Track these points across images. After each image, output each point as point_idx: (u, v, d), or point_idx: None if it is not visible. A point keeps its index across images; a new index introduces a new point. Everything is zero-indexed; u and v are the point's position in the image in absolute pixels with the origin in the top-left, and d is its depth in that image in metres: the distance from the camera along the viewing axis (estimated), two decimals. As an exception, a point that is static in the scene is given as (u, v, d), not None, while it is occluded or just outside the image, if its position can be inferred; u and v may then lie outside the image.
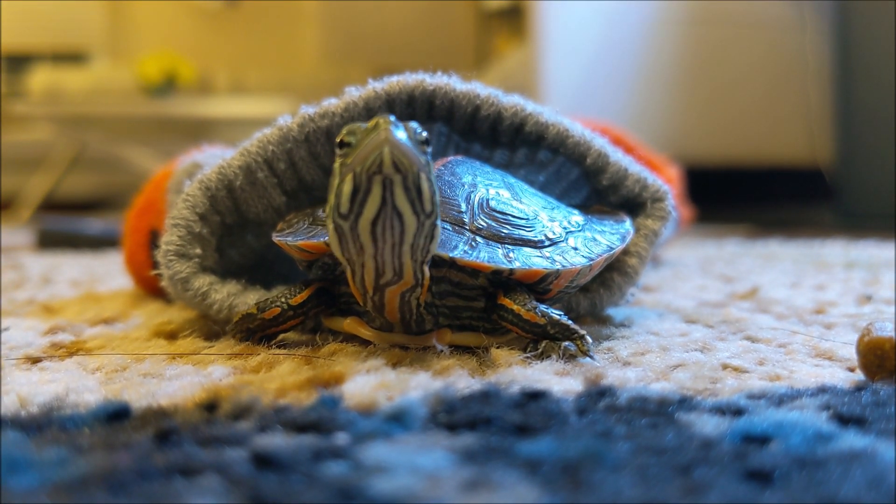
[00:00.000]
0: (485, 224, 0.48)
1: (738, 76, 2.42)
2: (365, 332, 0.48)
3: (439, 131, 0.58)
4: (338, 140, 0.42)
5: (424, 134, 0.42)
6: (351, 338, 0.50)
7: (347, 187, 0.41)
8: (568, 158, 0.58)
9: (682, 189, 1.15)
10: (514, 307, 0.46)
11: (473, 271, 0.47)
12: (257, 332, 0.50)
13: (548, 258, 0.48)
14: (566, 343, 0.45)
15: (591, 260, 0.50)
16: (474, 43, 4.34)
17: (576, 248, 0.50)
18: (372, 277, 0.43)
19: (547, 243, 0.49)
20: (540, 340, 0.46)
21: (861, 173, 2.35)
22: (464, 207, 0.49)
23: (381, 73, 0.59)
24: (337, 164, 0.42)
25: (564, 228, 0.51)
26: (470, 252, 0.46)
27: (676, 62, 2.39)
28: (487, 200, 0.50)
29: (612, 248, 0.52)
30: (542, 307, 0.46)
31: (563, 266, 0.48)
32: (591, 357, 0.45)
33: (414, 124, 0.41)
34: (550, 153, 0.58)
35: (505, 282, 0.48)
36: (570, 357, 0.45)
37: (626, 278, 0.58)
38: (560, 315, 0.46)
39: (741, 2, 2.43)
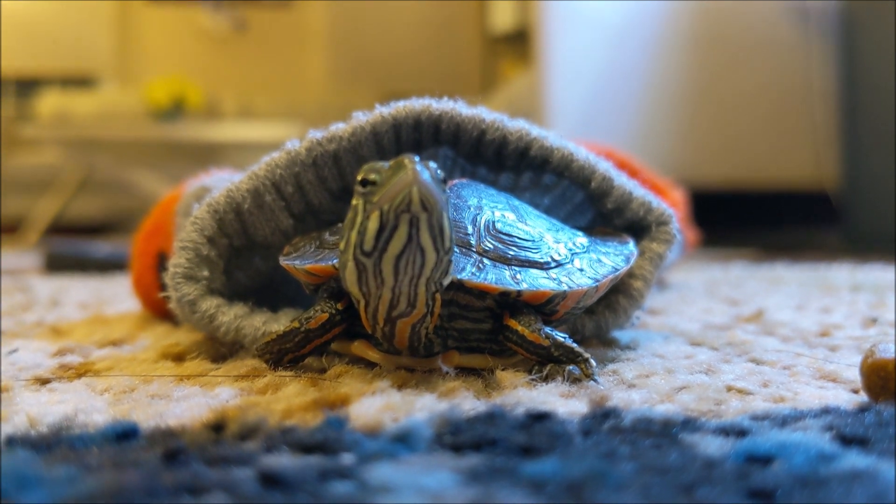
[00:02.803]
0: (491, 246, 0.49)
1: (742, 99, 2.43)
2: (372, 355, 0.48)
3: (445, 155, 0.59)
4: (359, 178, 0.42)
5: (442, 173, 0.43)
6: (357, 360, 0.50)
7: (374, 225, 0.41)
8: (573, 182, 0.59)
9: (688, 212, 1.15)
10: (519, 328, 0.47)
11: (480, 293, 0.48)
12: (293, 350, 0.49)
13: (554, 279, 0.49)
14: (571, 367, 0.46)
15: (597, 281, 0.50)
16: (480, 67, 4.36)
17: (581, 270, 0.51)
18: (385, 309, 0.44)
19: (553, 265, 0.50)
20: (545, 363, 0.46)
21: (867, 196, 2.36)
22: (470, 230, 0.49)
23: (388, 97, 0.60)
24: (359, 203, 0.42)
25: (570, 250, 0.52)
26: (477, 274, 0.47)
27: (681, 85, 2.40)
28: (493, 222, 0.50)
29: (617, 270, 0.53)
30: (547, 329, 0.47)
31: (570, 287, 0.49)
32: (595, 380, 0.45)
33: (434, 164, 0.42)
34: (555, 177, 0.59)
35: (512, 303, 0.48)
36: (574, 380, 0.45)
37: (632, 301, 0.58)
38: (565, 338, 0.47)
39: (745, 25, 2.44)
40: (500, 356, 0.49)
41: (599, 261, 0.53)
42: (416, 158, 0.41)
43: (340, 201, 0.59)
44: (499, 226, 0.50)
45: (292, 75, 4.34)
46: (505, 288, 0.47)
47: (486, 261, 0.48)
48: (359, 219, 0.42)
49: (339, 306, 0.48)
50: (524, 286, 0.47)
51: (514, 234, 0.50)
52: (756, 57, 2.43)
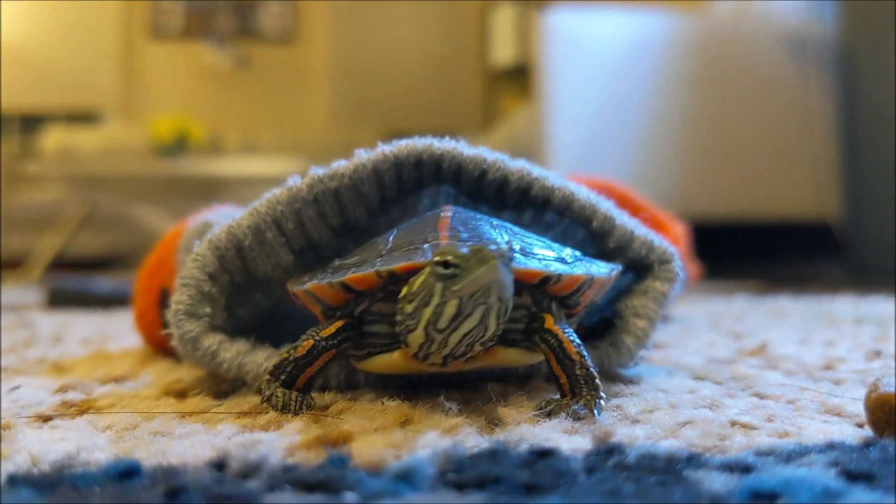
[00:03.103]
0: (517, 245, 0.50)
1: (744, 132, 2.44)
2: (421, 367, 0.49)
3: (447, 193, 0.59)
4: (440, 259, 0.43)
5: (510, 251, 0.45)
6: (359, 396, 0.50)
7: (451, 311, 0.44)
8: (574, 221, 0.59)
9: (690, 246, 1.15)
10: (560, 335, 0.48)
11: (518, 286, 0.48)
12: (292, 383, 0.49)
13: (579, 268, 0.50)
14: (576, 406, 0.46)
15: (609, 273, 0.52)
16: (481, 102, 4.39)
17: (593, 264, 0.52)
18: (441, 354, 0.47)
19: (570, 259, 0.51)
20: (550, 402, 0.47)
21: (869, 228, 2.36)
22: (493, 233, 0.50)
23: (390, 133, 0.60)
24: (437, 285, 0.44)
25: (573, 255, 0.53)
26: (520, 260, 0.48)
27: (682, 120, 2.41)
28: (508, 227, 0.52)
29: (613, 269, 0.54)
30: (583, 348, 0.48)
31: (594, 274, 0.51)
32: (596, 414, 0.46)
33: (505, 243, 0.44)
34: (557, 216, 0.59)
35: (541, 299, 0.50)
36: (577, 419, 0.45)
37: (636, 341, 0.58)
38: (592, 366, 0.48)
39: (745, 58, 2.46)
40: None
41: (597, 264, 0.54)
42: (497, 248, 0.42)
43: (341, 237, 0.59)
44: (514, 229, 0.52)
45: (294, 112, 4.37)
46: (547, 272, 0.48)
47: (516, 254, 0.49)
48: (435, 300, 0.44)
49: (325, 333, 0.49)
50: (563, 270, 0.49)
51: (526, 237, 0.52)
52: (756, 90, 2.45)
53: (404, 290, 0.46)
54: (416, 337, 0.46)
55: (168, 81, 4.35)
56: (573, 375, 0.47)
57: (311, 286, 0.51)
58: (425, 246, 0.48)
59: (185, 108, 3.94)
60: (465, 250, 0.43)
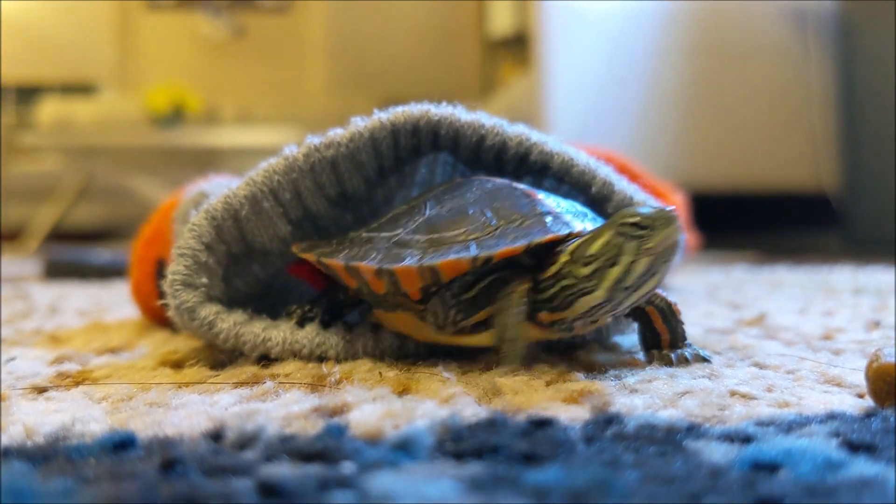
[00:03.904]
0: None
1: (742, 103, 2.43)
2: (548, 334, 0.51)
3: (445, 161, 0.59)
4: (632, 221, 0.45)
5: None
6: (357, 366, 0.50)
7: (642, 267, 0.46)
8: (573, 187, 0.58)
9: (688, 216, 1.15)
10: (666, 298, 0.52)
11: None
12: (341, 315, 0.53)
13: None
14: (682, 351, 0.52)
15: None
16: (479, 72, 4.36)
17: None
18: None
19: None
20: (650, 351, 0.53)
21: (867, 199, 2.35)
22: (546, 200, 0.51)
23: (387, 102, 0.60)
24: (629, 243, 0.45)
25: None
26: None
27: (680, 89, 2.40)
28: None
29: None
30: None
31: None
32: (708, 360, 0.52)
33: None
34: (556, 182, 0.59)
35: None
36: (683, 362, 0.51)
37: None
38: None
39: (744, 29, 2.44)
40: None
41: None
42: (675, 210, 0.45)
43: (338, 207, 0.58)
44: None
45: (291, 81, 4.34)
46: None
47: None
48: (626, 258, 0.46)
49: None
50: None
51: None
52: (755, 60, 2.43)
53: (563, 258, 0.47)
54: (594, 298, 0.47)
55: (164, 51, 4.32)
56: (675, 331, 0.52)
57: (440, 263, 0.48)
58: (548, 219, 0.49)
59: (181, 79, 3.91)
60: (647, 211, 0.45)
